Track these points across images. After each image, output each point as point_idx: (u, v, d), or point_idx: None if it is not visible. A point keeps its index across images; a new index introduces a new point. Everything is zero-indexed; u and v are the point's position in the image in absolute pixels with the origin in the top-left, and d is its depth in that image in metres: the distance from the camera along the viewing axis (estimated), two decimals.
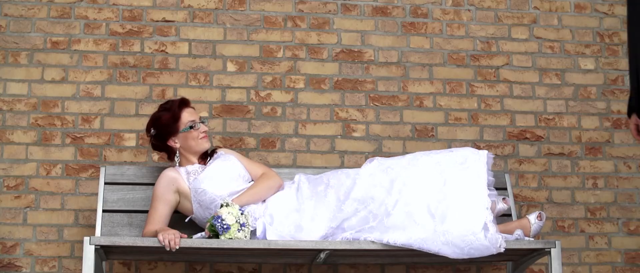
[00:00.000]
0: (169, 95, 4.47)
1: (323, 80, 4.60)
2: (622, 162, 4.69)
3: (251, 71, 4.56)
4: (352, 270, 4.39)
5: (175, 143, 3.91)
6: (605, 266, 4.56)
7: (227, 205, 3.63)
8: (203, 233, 3.65)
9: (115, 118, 4.43)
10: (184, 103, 3.96)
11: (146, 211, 3.95)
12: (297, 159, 4.49)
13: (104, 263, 3.82)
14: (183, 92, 4.47)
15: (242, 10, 4.63)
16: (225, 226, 3.56)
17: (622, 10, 4.86)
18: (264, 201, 3.85)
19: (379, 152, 4.52)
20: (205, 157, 3.96)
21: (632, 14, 3.61)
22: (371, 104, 4.59)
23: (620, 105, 4.74)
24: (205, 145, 3.93)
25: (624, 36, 4.83)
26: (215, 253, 3.74)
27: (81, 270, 4.11)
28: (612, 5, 4.87)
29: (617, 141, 4.71)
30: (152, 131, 3.92)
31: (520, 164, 4.61)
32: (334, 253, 3.67)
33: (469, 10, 4.77)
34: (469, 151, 3.83)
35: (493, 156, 3.83)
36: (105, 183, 4.02)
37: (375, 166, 3.85)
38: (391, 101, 4.61)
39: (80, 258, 4.14)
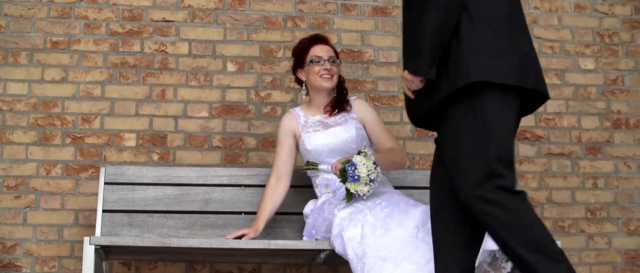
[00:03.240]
0: (169, 95, 4.47)
1: None
2: (622, 162, 4.69)
3: (251, 71, 4.56)
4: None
5: (302, 75, 3.94)
6: (605, 266, 4.56)
7: (365, 155, 3.55)
8: (328, 169, 3.70)
9: (115, 118, 4.43)
10: (316, 38, 3.96)
11: (146, 212, 3.97)
12: (297, 158, 4.48)
13: (104, 263, 3.83)
14: (183, 93, 4.47)
15: (242, 10, 4.63)
16: (356, 177, 3.49)
17: (622, 10, 4.86)
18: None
19: None
20: (335, 106, 3.89)
21: None
22: (371, 104, 4.58)
23: (621, 105, 4.74)
24: (324, 84, 3.85)
25: (625, 36, 4.83)
26: (215, 253, 3.74)
27: (81, 270, 4.12)
28: (612, 5, 4.87)
29: (617, 141, 4.70)
30: (292, 60, 4.00)
31: (520, 165, 4.60)
32: (334, 253, 3.66)
33: None
34: None
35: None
36: (105, 183, 4.02)
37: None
38: (391, 101, 4.61)
39: (80, 258, 4.14)
